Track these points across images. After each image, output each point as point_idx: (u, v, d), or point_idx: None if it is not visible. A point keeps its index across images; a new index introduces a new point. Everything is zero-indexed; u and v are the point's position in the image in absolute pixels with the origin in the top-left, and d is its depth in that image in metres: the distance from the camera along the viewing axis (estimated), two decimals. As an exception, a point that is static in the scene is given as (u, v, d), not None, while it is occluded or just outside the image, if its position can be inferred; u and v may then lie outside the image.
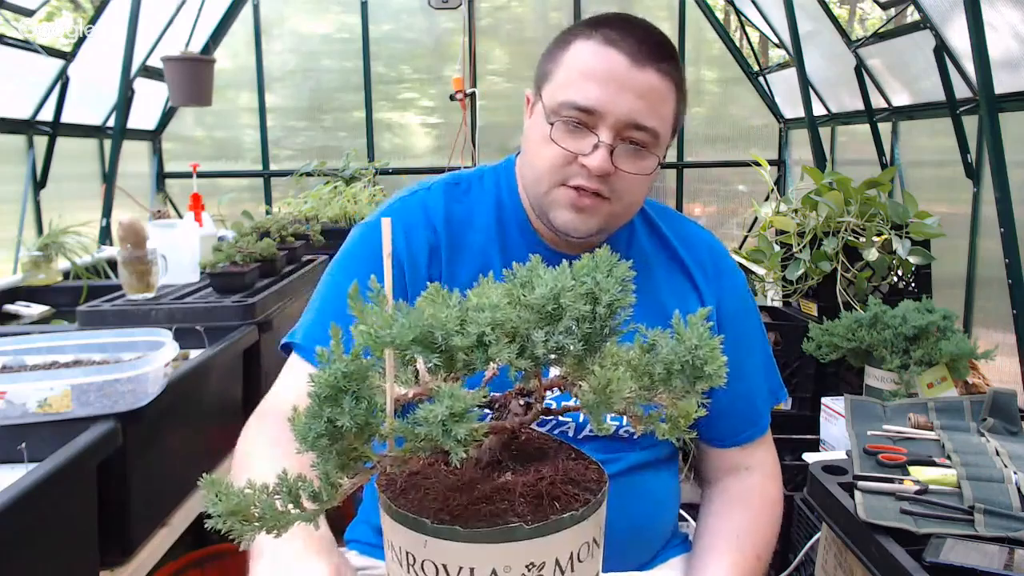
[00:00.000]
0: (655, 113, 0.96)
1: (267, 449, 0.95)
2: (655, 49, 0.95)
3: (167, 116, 4.94)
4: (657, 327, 0.60)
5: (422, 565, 0.54)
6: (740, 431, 1.12)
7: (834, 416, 1.67)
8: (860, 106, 3.79)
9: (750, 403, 1.13)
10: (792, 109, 4.84)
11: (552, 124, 0.96)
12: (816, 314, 2.21)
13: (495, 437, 0.60)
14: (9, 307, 2.15)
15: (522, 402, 0.60)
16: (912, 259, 2.10)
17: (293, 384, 1.05)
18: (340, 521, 1.23)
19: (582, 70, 0.95)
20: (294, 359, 1.07)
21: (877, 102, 3.74)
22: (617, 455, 1.04)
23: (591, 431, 1.02)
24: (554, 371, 0.61)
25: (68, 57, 3.56)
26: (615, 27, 0.96)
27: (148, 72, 4.25)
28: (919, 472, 1.14)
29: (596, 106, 0.94)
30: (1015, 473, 1.11)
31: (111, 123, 4.02)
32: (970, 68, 2.82)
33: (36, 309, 2.15)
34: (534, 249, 1.07)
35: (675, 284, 1.11)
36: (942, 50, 2.94)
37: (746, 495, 1.11)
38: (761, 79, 4.97)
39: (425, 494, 0.57)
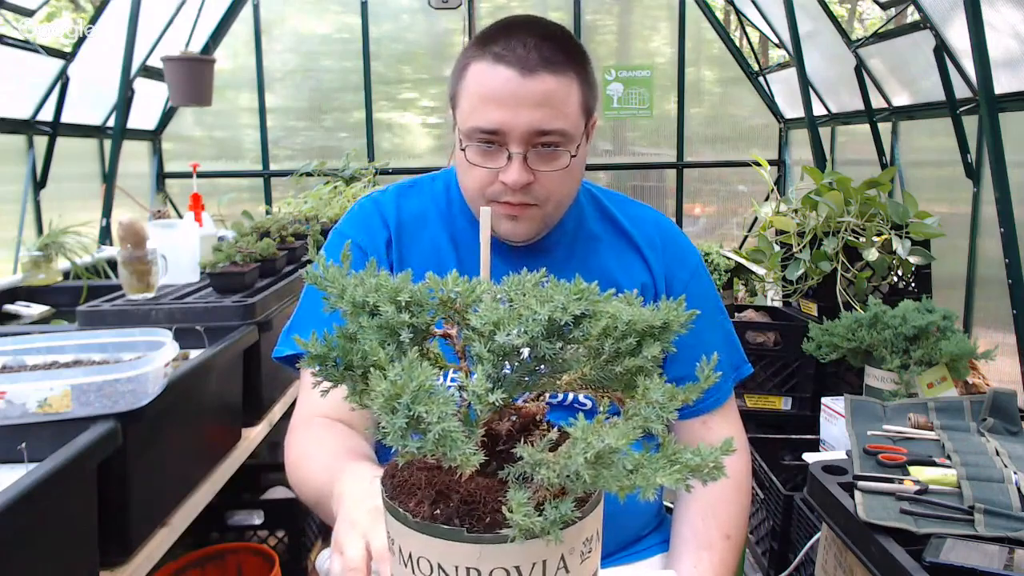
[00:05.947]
0: (558, 115, 1.00)
1: (322, 443, 1.03)
2: (543, 52, 0.98)
3: (167, 116, 4.94)
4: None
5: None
6: (698, 399, 1.15)
7: (834, 416, 1.67)
8: (860, 106, 3.79)
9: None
10: (792, 109, 4.84)
11: (466, 149, 1.04)
12: (816, 314, 2.21)
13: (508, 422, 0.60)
14: (9, 307, 2.15)
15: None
16: (912, 259, 2.10)
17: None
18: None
19: (480, 94, 1.00)
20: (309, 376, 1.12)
21: (877, 102, 3.74)
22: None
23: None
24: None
25: (68, 57, 3.56)
26: (500, 41, 0.99)
27: (148, 72, 4.25)
28: (919, 472, 1.14)
29: (499, 127, 0.99)
30: (1015, 473, 1.11)
31: (111, 123, 4.03)
32: (970, 68, 2.82)
33: (36, 309, 2.15)
34: None
35: (623, 257, 1.18)
36: (942, 50, 2.94)
37: None
38: (761, 79, 4.97)
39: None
